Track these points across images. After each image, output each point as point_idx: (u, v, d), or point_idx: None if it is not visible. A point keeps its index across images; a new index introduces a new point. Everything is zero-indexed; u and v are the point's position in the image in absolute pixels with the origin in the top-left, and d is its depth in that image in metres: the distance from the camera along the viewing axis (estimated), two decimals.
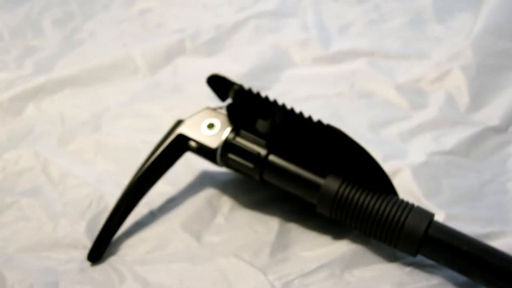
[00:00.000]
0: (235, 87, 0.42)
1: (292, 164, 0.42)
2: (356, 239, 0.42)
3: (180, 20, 0.79)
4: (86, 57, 0.72)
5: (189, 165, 0.51)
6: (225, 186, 0.48)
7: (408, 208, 0.39)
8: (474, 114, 0.57)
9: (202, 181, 0.49)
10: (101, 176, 0.50)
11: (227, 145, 0.44)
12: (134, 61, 0.69)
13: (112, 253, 0.43)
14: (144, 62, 0.69)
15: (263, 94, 0.41)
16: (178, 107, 0.60)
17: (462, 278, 0.39)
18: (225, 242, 0.43)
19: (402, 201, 0.40)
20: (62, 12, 0.85)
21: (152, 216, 0.46)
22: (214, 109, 0.47)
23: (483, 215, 0.45)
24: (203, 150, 0.46)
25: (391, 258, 0.41)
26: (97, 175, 0.51)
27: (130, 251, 0.43)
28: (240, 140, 0.44)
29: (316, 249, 0.41)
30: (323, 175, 0.41)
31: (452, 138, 0.53)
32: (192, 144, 0.46)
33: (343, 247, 0.41)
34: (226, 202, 0.47)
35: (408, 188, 0.47)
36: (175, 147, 0.46)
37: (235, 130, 0.44)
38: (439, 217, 0.44)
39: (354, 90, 0.62)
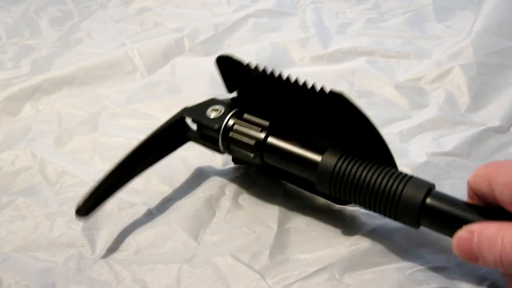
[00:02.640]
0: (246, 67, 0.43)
1: (292, 144, 0.43)
2: (355, 241, 0.42)
3: (178, 19, 0.79)
4: (83, 57, 0.72)
5: (188, 165, 0.51)
6: (224, 186, 0.48)
7: (406, 178, 0.38)
8: (475, 114, 0.57)
9: (200, 181, 0.49)
10: (98, 176, 0.50)
11: (228, 128, 0.44)
12: (132, 61, 0.69)
13: (110, 253, 0.42)
14: (142, 62, 0.69)
15: (268, 71, 0.42)
16: (176, 106, 0.60)
17: (462, 282, 0.38)
18: (224, 242, 0.43)
19: (401, 172, 0.39)
20: (59, 11, 0.85)
21: (150, 216, 0.45)
22: (220, 100, 0.47)
23: None
24: (205, 135, 0.46)
25: (391, 261, 0.40)
26: (94, 175, 0.50)
27: (128, 251, 0.43)
28: (241, 124, 0.44)
29: (315, 252, 0.41)
30: (322, 152, 0.41)
31: (452, 138, 0.52)
32: (195, 128, 0.47)
33: (343, 250, 0.41)
34: (225, 202, 0.47)
35: None
36: (178, 127, 0.47)
37: (238, 114, 0.45)
38: None
39: (354, 90, 0.62)
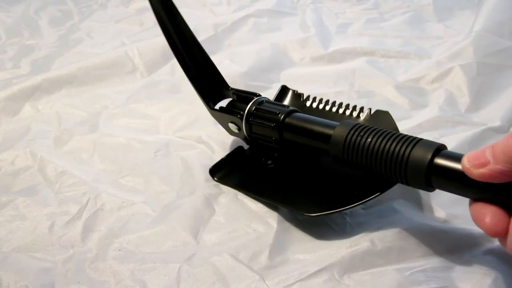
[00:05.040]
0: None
1: (309, 120, 0.46)
2: (355, 242, 0.42)
3: None
4: (83, 57, 0.72)
5: (187, 165, 0.51)
6: (223, 186, 0.48)
7: (415, 141, 0.38)
8: (475, 114, 0.57)
9: (200, 180, 0.49)
10: (98, 176, 0.50)
11: (251, 112, 0.48)
12: (132, 61, 0.69)
13: (109, 252, 0.42)
14: (141, 62, 0.68)
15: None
16: (175, 107, 0.60)
17: (462, 282, 0.38)
18: (224, 241, 0.43)
19: (410, 136, 0.39)
20: (58, 11, 0.85)
21: (150, 215, 0.45)
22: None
23: None
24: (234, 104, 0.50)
25: (391, 262, 0.40)
26: (94, 174, 0.50)
27: (128, 250, 0.42)
28: (262, 107, 0.48)
29: (315, 252, 0.41)
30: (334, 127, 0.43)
31: (452, 138, 0.52)
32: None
33: (343, 250, 0.41)
34: (224, 200, 0.46)
35: (408, 187, 0.46)
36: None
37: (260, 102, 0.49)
38: (439, 217, 0.43)
39: (354, 89, 0.62)
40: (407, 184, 0.39)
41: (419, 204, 0.45)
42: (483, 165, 0.34)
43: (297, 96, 0.53)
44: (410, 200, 0.45)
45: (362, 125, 0.42)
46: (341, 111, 0.50)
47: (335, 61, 0.67)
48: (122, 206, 0.46)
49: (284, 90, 0.54)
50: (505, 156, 0.33)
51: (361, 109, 0.49)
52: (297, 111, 0.48)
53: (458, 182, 0.36)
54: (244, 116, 0.48)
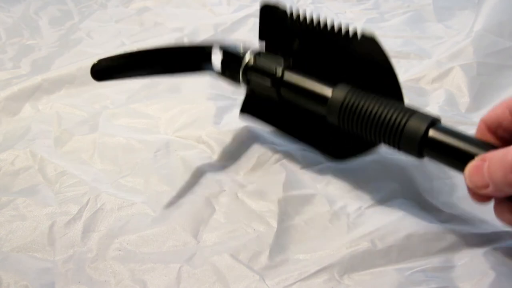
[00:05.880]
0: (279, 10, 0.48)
1: (306, 79, 0.46)
2: (355, 242, 0.42)
3: (178, 19, 0.79)
4: (83, 57, 0.72)
5: (187, 164, 0.51)
6: (223, 183, 0.48)
7: (411, 111, 0.40)
8: (475, 114, 0.57)
9: (200, 180, 0.49)
10: (98, 176, 0.50)
11: (248, 67, 0.48)
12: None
13: (110, 252, 0.42)
14: None
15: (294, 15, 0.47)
16: (175, 107, 0.60)
17: (462, 282, 0.38)
18: (224, 241, 0.43)
19: (407, 106, 0.41)
20: (58, 11, 0.85)
21: (150, 215, 0.45)
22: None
23: (484, 216, 0.44)
24: (227, 64, 0.50)
25: (391, 262, 0.40)
26: (94, 174, 0.50)
27: (128, 250, 0.42)
28: (260, 61, 0.48)
29: (315, 252, 0.41)
30: (333, 86, 0.44)
31: None
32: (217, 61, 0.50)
33: (343, 250, 0.41)
34: (224, 199, 0.46)
35: (408, 187, 0.46)
36: (201, 53, 0.50)
37: (259, 53, 0.48)
38: (439, 217, 0.43)
39: None
40: (399, 150, 0.41)
41: (419, 204, 0.45)
42: (483, 186, 0.34)
43: (281, 15, 0.48)
44: (410, 200, 0.45)
45: (357, 91, 0.42)
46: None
47: None
48: (122, 206, 0.46)
49: (265, 10, 0.50)
50: (504, 173, 0.33)
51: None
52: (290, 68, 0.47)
53: (450, 155, 0.38)
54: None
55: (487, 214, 0.44)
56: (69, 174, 0.50)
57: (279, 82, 0.47)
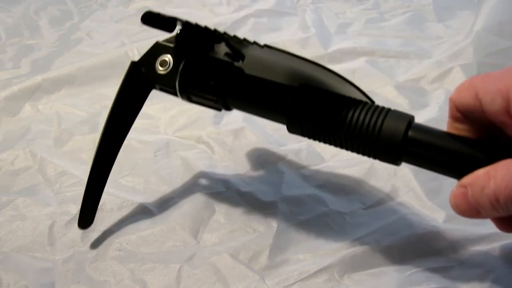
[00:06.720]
0: (181, 21, 0.41)
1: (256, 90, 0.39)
2: (355, 242, 0.42)
3: None
4: (83, 57, 0.72)
5: (187, 164, 0.51)
6: (223, 183, 0.48)
7: (384, 112, 0.35)
8: None
9: (200, 180, 0.49)
10: None
11: (184, 82, 0.41)
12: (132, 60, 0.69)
13: (110, 252, 0.42)
14: None
15: (211, 27, 0.39)
16: (175, 107, 0.60)
17: (462, 282, 0.38)
18: (224, 241, 0.43)
19: (378, 106, 0.36)
20: (58, 11, 0.85)
21: (150, 215, 0.45)
22: (165, 44, 0.45)
23: None
24: (164, 90, 0.44)
25: (391, 262, 0.40)
26: None
27: (128, 250, 0.42)
28: (196, 92, 0.41)
29: (315, 252, 0.41)
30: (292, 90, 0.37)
31: None
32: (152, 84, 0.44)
33: (343, 251, 0.40)
34: (224, 201, 0.46)
35: (409, 187, 0.46)
36: (135, 82, 0.45)
37: (186, 68, 0.42)
38: (439, 217, 0.43)
39: None
40: (375, 158, 0.36)
41: (419, 204, 0.45)
42: (474, 214, 0.33)
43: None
44: (410, 200, 0.45)
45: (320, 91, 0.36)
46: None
47: (335, 61, 0.67)
48: (122, 206, 0.46)
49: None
50: (490, 202, 0.32)
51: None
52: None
53: (431, 157, 0.35)
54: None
55: None
56: (69, 174, 0.50)
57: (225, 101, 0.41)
